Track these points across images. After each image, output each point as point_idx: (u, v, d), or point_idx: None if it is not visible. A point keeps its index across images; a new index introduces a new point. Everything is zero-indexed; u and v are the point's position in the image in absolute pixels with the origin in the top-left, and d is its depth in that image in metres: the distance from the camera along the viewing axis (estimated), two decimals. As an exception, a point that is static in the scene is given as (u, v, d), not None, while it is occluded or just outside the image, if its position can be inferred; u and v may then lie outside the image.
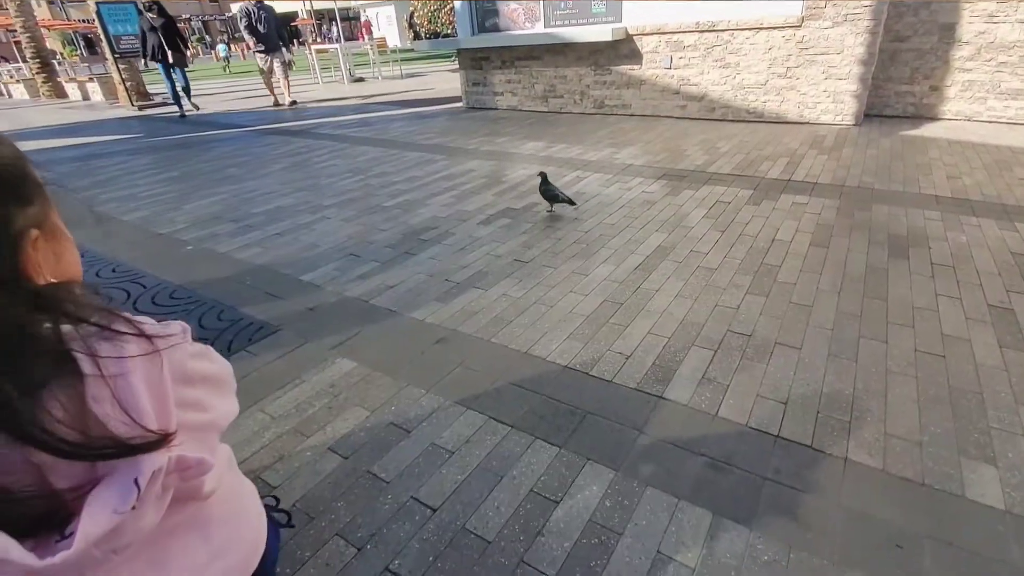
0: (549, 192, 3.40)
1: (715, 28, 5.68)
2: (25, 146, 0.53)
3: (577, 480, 1.47)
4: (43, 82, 13.97)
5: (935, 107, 5.48)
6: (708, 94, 6.03)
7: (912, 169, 3.94)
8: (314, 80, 13.90)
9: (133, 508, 0.47)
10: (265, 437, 1.69)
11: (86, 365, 0.47)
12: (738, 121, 5.89)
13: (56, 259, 0.51)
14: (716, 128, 5.66)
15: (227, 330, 2.32)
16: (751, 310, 2.25)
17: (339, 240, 3.26)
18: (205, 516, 0.62)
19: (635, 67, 6.40)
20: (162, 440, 0.49)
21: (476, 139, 5.91)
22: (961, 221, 3.00)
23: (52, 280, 0.50)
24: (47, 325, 0.46)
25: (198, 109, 8.85)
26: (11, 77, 17.53)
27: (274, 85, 9.25)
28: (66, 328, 0.48)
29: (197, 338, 0.62)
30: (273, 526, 0.77)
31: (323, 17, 31.18)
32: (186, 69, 8.70)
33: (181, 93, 8.78)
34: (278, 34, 8.56)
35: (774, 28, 5.37)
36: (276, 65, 8.77)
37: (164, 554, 0.57)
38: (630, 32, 6.23)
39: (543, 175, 3.43)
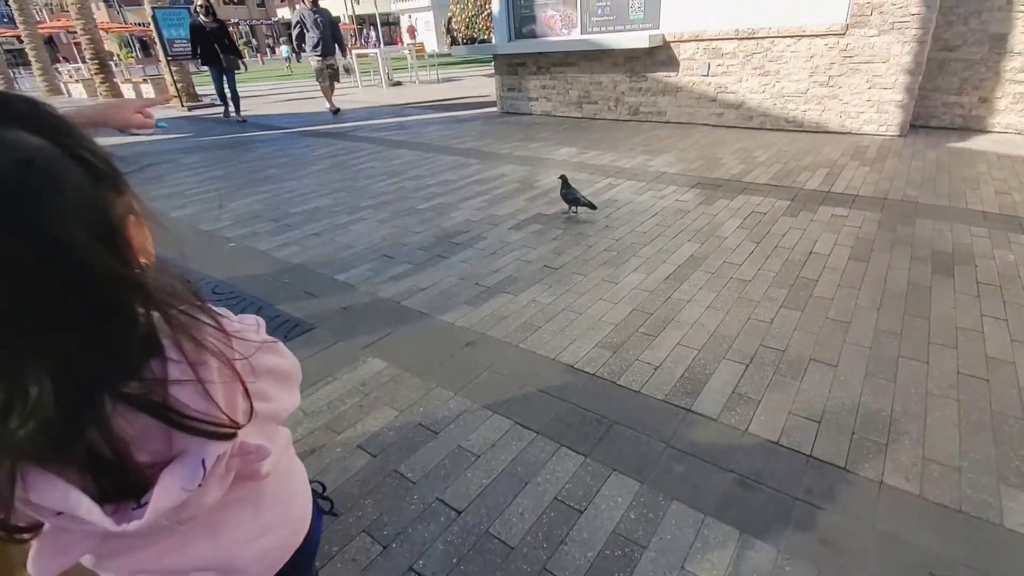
0: (570, 195, 3.46)
1: (755, 35, 5.58)
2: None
3: (602, 490, 1.47)
4: (100, 82, 14.65)
5: (984, 119, 5.26)
6: (746, 102, 5.93)
7: (959, 183, 3.79)
8: (354, 84, 14.21)
9: (199, 486, 0.52)
10: (298, 432, 1.75)
11: (172, 351, 0.51)
12: (776, 130, 5.78)
13: (142, 244, 0.55)
14: (753, 137, 5.56)
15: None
16: (785, 324, 2.21)
17: (374, 241, 3.33)
18: (259, 493, 0.67)
19: (671, 74, 6.34)
20: (234, 433, 0.54)
21: (510, 144, 5.95)
22: (1009, 239, 2.87)
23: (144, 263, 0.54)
24: (140, 309, 0.50)
25: (244, 121, 8.72)
26: (70, 77, 18.45)
27: (324, 88, 8.98)
28: (155, 313, 0.51)
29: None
30: (317, 511, 0.80)
31: (364, 22, 31.88)
32: (237, 72, 8.64)
33: (229, 102, 8.75)
34: (333, 38, 8.46)
35: (816, 36, 5.25)
36: (327, 69, 8.58)
37: (218, 523, 0.62)
38: (667, 39, 6.19)
39: (564, 178, 3.49)
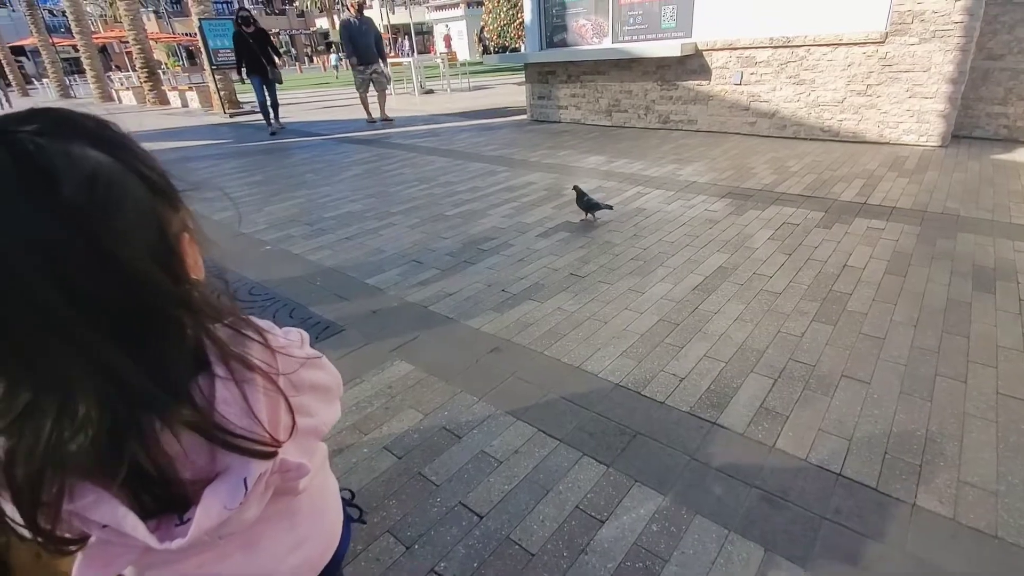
0: (591, 203, 3.55)
1: (790, 44, 5.49)
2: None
3: (624, 501, 1.47)
4: (149, 90, 15.35)
5: (1032, 130, 5.06)
6: (779, 111, 5.83)
7: (1003, 196, 3.65)
8: (388, 92, 14.47)
9: (240, 504, 0.52)
10: (327, 432, 1.79)
11: (218, 368, 0.51)
12: (811, 139, 5.66)
13: (194, 260, 0.55)
14: (787, 146, 5.46)
15: (297, 328, 2.47)
16: (817, 339, 2.17)
17: (403, 246, 3.39)
18: (294, 508, 0.67)
19: (703, 82, 6.29)
20: (275, 452, 0.54)
21: (539, 152, 5.98)
22: (1061, 255, 2.75)
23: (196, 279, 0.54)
24: (190, 323, 0.50)
25: (283, 128, 8.82)
26: (122, 84, 19.34)
27: (368, 100, 9.00)
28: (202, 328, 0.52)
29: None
30: (347, 520, 0.80)
31: (398, 31, 32.51)
32: (278, 84, 8.58)
33: (270, 109, 8.65)
34: (376, 48, 8.49)
35: (854, 44, 5.14)
36: (372, 78, 8.62)
37: (255, 538, 0.62)
38: (700, 47, 6.14)
39: (577, 188, 3.61)
